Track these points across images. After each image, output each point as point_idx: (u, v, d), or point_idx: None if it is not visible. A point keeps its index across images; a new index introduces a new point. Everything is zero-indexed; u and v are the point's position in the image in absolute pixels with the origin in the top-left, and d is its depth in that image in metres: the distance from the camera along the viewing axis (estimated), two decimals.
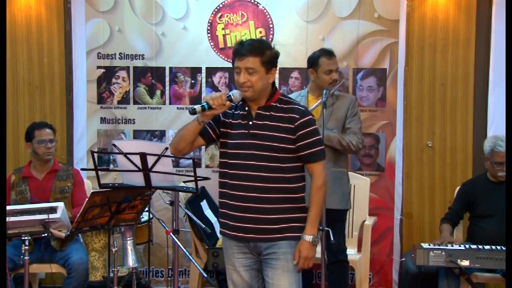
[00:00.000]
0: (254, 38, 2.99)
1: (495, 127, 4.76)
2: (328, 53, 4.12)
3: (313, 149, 2.95)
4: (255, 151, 2.93)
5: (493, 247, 3.88)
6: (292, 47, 4.91)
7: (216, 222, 4.50)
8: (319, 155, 2.97)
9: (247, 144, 2.96)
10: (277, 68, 3.03)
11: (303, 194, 2.99)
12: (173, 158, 4.48)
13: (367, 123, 4.89)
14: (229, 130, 3.05)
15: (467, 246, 3.93)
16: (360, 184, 4.66)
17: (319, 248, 3.16)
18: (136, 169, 3.59)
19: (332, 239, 3.31)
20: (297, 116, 2.93)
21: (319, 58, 4.09)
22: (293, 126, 2.92)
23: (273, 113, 2.96)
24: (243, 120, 3.01)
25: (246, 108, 3.01)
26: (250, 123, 2.98)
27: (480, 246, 3.90)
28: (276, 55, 2.99)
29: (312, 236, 2.92)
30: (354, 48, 4.91)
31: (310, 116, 2.98)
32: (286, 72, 4.95)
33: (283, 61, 4.88)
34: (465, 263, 3.80)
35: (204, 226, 4.16)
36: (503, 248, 3.84)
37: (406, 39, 4.89)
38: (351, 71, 4.94)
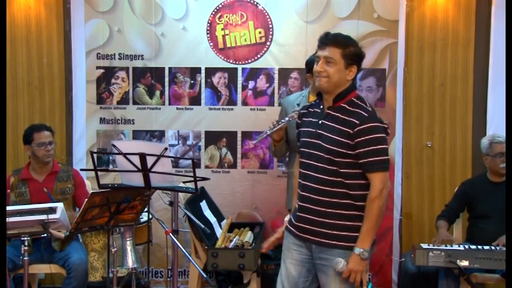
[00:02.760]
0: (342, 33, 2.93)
1: (494, 127, 4.76)
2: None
3: (369, 159, 2.83)
4: (319, 152, 2.91)
5: (492, 247, 3.88)
6: (291, 48, 4.91)
7: (215, 222, 4.50)
8: (374, 165, 2.83)
9: (313, 143, 2.95)
10: (358, 69, 2.95)
11: (364, 203, 2.86)
12: (172, 159, 4.49)
13: None
14: (302, 129, 3.07)
15: (466, 246, 3.94)
16: None
17: None
18: (136, 169, 3.59)
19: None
20: (357, 122, 2.83)
21: (312, 63, 4.09)
22: (352, 132, 2.83)
23: (339, 115, 2.90)
24: (314, 119, 3.00)
25: (321, 107, 3.00)
26: (320, 122, 2.96)
27: (479, 247, 3.90)
28: (360, 54, 2.92)
29: (361, 250, 2.82)
30: None
31: (374, 124, 2.84)
32: (285, 73, 4.95)
33: (282, 61, 4.92)
34: (464, 263, 3.81)
35: (203, 226, 4.16)
36: (503, 249, 3.84)
37: (405, 40, 4.88)
38: None
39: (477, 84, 4.90)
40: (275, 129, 3.76)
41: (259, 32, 4.94)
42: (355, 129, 2.83)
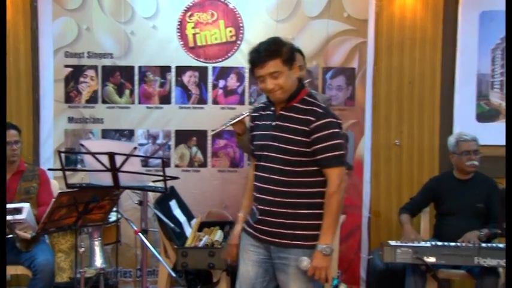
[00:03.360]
0: (265, 40, 2.88)
1: (461, 125, 4.83)
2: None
3: (326, 154, 2.83)
4: (275, 154, 2.90)
5: (458, 244, 3.94)
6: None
7: (185, 222, 4.49)
8: (332, 161, 2.84)
9: (269, 146, 2.94)
10: (298, 57, 3.02)
11: (321, 200, 2.87)
12: (142, 158, 4.47)
13: None
14: (255, 132, 3.06)
15: (433, 243, 3.99)
16: None
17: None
18: (105, 169, 3.57)
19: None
20: (313, 119, 2.84)
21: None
22: (308, 129, 2.84)
23: (293, 115, 2.90)
24: (267, 121, 2.99)
25: (272, 109, 2.99)
26: (274, 124, 2.95)
27: (446, 243, 3.95)
28: (292, 48, 2.92)
29: (323, 246, 2.83)
30: (324, 48, 4.94)
31: (329, 119, 2.85)
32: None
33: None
34: (431, 259, 3.86)
35: (173, 226, 4.15)
36: (469, 245, 3.90)
37: (374, 39, 4.93)
38: (321, 70, 4.96)
39: (444, 83, 4.96)
40: (232, 122, 3.74)
41: (230, 31, 4.94)
42: (311, 126, 2.84)
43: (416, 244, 3.94)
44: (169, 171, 4.69)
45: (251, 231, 3.03)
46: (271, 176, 2.91)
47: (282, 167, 2.88)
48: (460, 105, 4.91)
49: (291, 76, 2.89)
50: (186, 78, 4.96)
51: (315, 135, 2.83)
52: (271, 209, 2.92)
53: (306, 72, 4.25)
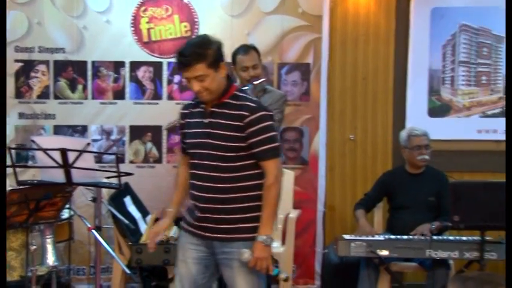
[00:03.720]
0: (192, 40, 2.88)
1: (413, 120, 4.91)
2: (243, 50, 4.17)
3: (263, 147, 2.87)
4: (210, 151, 2.91)
5: (411, 237, 4.01)
6: None
7: (140, 218, 4.45)
8: (268, 153, 2.89)
9: (203, 143, 2.93)
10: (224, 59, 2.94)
11: (259, 192, 2.91)
12: (95, 154, 4.41)
13: (292, 118, 4.94)
14: (187, 130, 3.03)
15: (386, 236, 4.06)
16: (284, 177, 4.69)
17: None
18: (56, 165, 3.51)
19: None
20: (246, 113, 2.86)
21: (235, 56, 4.15)
22: (242, 124, 2.86)
23: (225, 111, 2.91)
24: (199, 119, 2.98)
25: (203, 106, 2.97)
26: (206, 121, 2.94)
27: (398, 237, 4.02)
28: (219, 49, 2.90)
29: (264, 237, 2.86)
30: (279, 43, 4.95)
31: (262, 112, 2.89)
32: None
33: None
34: (384, 252, 3.92)
35: (127, 222, 4.11)
36: (420, 238, 3.98)
37: (329, 35, 4.97)
38: (276, 65, 4.98)
39: (397, 78, 5.03)
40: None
41: (185, 26, 4.91)
42: (245, 121, 2.86)
43: (370, 238, 3.99)
44: (124, 167, 4.63)
45: (192, 229, 3.01)
46: (208, 173, 2.92)
47: (218, 164, 2.90)
48: (412, 101, 4.99)
49: (217, 78, 2.88)
50: (141, 73, 4.92)
51: (250, 129, 2.86)
52: (211, 205, 2.92)
53: (261, 69, 4.27)
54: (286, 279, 3.02)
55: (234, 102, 2.92)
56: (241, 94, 2.97)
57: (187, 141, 3.04)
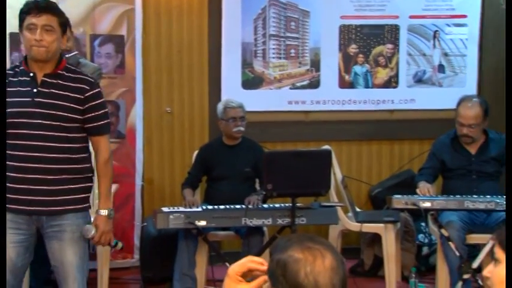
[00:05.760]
0: None
1: (228, 93, 5.01)
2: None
3: (100, 122, 2.99)
4: (41, 120, 2.84)
5: (227, 206, 4.12)
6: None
7: None
8: (103, 128, 3.02)
9: (31, 113, 2.84)
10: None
11: (88, 165, 3.03)
12: None
13: (107, 91, 4.76)
14: (8, 98, 2.84)
15: (204, 207, 4.14)
16: None
17: None
18: None
19: None
20: (87, 87, 2.93)
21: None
22: (82, 97, 2.91)
23: (60, 82, 2.90)
24: (25, 87, 2.87)
25: (31, 75, 2.87)
26: (35, 90, 2.85)
27: (216, 207, 4.12)
28: (67, 20, 3.00)
29: (107, 210, 3.01)
30: (90, 14, 4.77)
31: (99, 89, 3.01)
32: (18, 37, 4.61)
33: (14, 25, 4.56)
34: (202, 223, 3.99)
35: None
36: (236, 207, 4.09)
37: (142, 6, 4.87)
38: (88, 37, 4.81)
39: (211, 51, 5.08)
40: None
41: None
42: (86, 95, 2.93)
43: (188, 210, 4.05)
44: None
45: (16, 206, 2.89)
46: (39, 143, 2.86)
47: (55, 134, 2.87)
48: (226, 73, 5.09)
49: (58, 41, 2.89)
50: None
51: (90, 104, 2.94)
52: (40, 176, 2.87)
53: (73, 43, 4.09)
54: (122, 248, 3.29)
55: (68, 74, 2.94)
56: (73, 68, 3.02)
57: (10, 109, 2.87)
